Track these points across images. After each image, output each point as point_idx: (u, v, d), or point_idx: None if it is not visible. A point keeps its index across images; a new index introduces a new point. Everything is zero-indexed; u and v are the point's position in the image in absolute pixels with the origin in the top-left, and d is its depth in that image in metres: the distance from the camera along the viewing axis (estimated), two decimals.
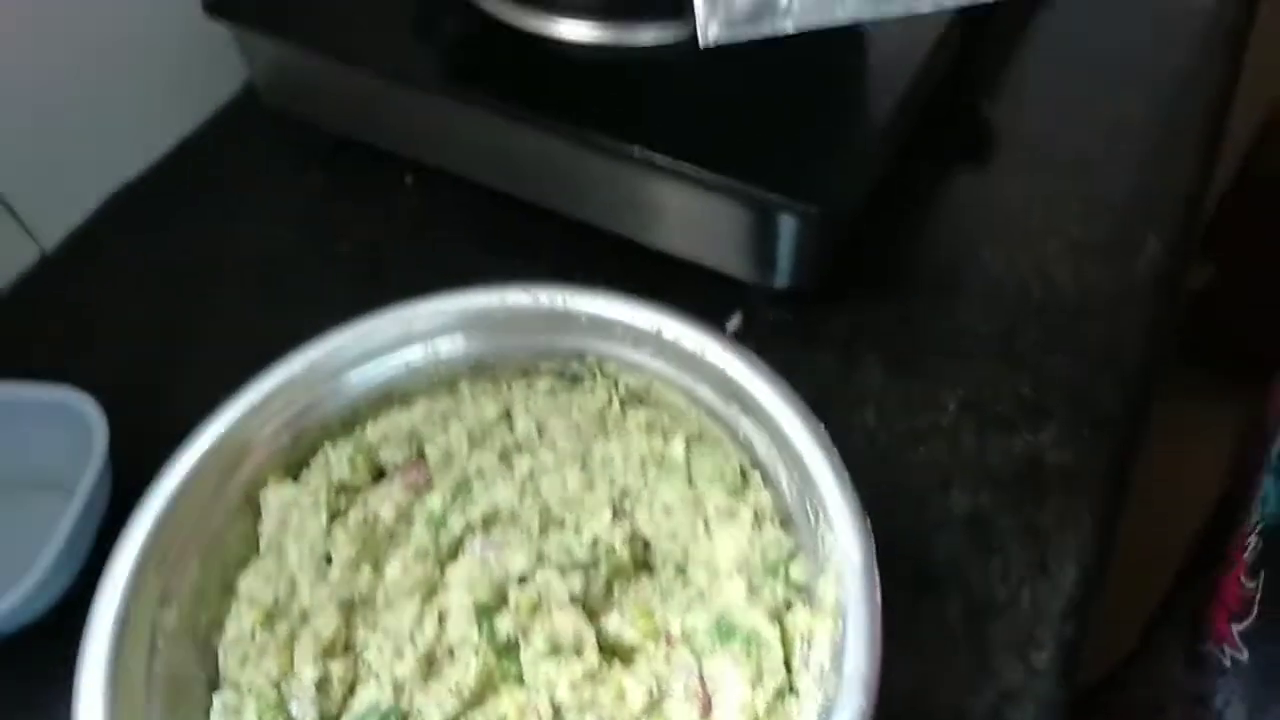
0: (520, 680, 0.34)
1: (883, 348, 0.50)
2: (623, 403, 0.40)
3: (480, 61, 0.51)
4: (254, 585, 0.36)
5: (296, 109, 0.58)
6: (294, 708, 0.33)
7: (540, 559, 0.36)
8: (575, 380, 0.40)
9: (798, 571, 0.35)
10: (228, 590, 0.36)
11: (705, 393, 0.37)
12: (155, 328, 0.52)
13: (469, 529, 0.37)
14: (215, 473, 0.36)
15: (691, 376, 0.38)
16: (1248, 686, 0.43)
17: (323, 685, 0.34)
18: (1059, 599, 0.42)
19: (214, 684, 0.34)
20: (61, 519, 0.40)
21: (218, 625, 0.35)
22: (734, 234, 0.48)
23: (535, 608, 0.35)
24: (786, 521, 0.36)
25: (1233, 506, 0.50)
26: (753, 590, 0.35)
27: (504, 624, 0.34)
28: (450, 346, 0.39)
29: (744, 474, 0.37)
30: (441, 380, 0.40)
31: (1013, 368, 0.48)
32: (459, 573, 0.36)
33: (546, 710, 0.33)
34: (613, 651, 0.35)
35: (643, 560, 0.37)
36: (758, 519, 0.36)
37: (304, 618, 0.35)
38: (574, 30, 0.48)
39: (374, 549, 0.37)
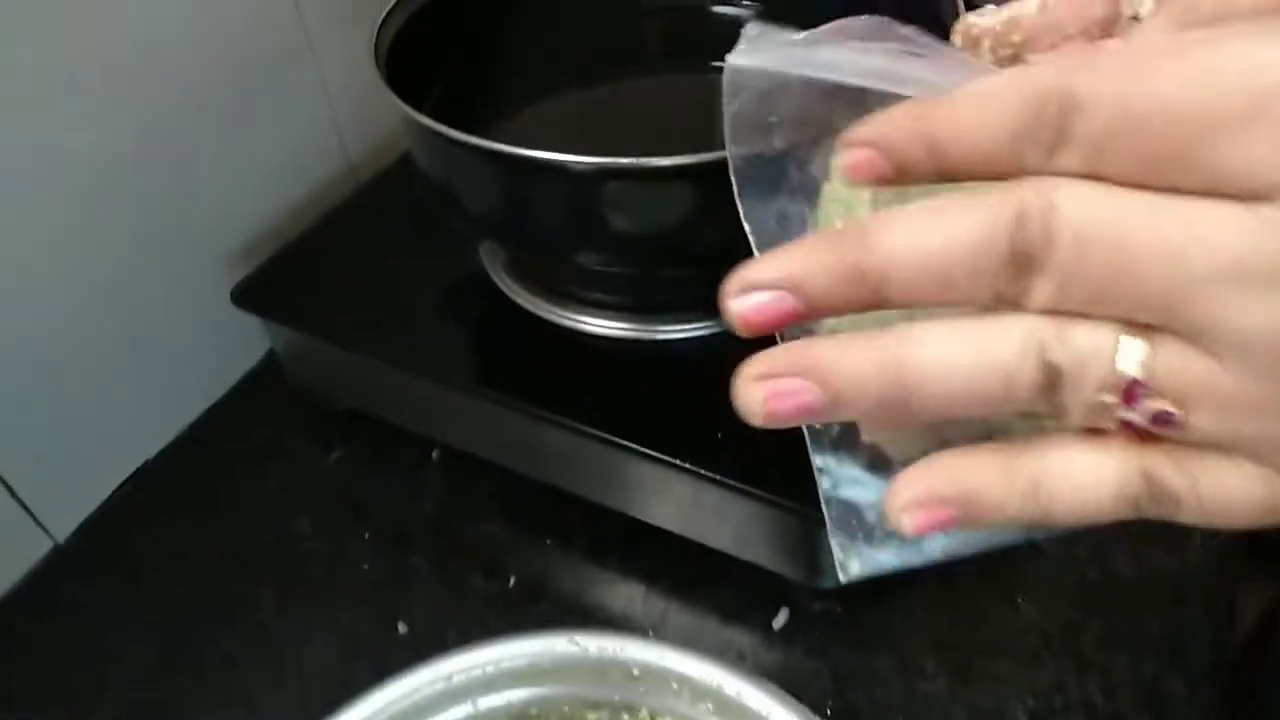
0: None
1: (944, 648, 0.47)
2: None
3: (508, 356, 0.50)
4: None
5: (320, 388, 0.57)
6: None
7: None
8: None
9: None
10: None
11: None
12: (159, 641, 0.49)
13: None
14: None
15: None
16: None
17: None
18: None
19: None
20: None
21: None
22: (776, 538, 0.46)
23: None
24: None
25: None
26: None
27: None
28: (490, 701, 0.36)
29: None
30: None
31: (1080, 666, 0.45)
32: None
33: None
34: None
35: None
36: None
37: None
38: (603, 325, 0.48)
39: None
